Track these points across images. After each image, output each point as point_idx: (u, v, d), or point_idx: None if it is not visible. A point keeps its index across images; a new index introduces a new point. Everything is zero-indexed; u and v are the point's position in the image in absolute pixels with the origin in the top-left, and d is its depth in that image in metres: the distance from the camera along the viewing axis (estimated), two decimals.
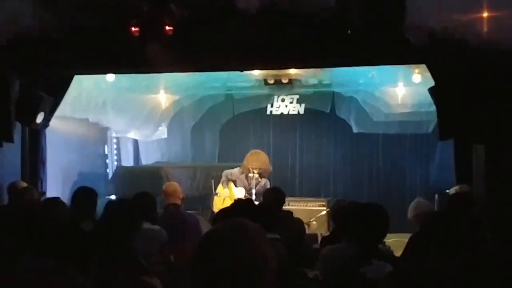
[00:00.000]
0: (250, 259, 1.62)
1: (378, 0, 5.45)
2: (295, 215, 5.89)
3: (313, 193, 10.62)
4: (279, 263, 1.69)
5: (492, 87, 5.62)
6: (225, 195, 7.90)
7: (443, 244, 2.45)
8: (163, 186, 5.88)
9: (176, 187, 5.84)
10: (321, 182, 11.07)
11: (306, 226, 6.54)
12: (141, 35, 6.06)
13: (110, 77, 9.02)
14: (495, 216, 3.72)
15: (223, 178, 8.10)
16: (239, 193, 7.80)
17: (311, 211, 8.69)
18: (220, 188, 8.09)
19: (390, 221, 3.27)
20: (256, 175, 7.69)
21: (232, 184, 7.94)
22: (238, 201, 4.31)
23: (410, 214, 4.97)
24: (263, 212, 3.82)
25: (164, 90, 10.65)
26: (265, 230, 1.74)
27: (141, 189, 5.23)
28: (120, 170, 10.46)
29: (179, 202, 5.72)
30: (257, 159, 7.79)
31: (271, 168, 8.02)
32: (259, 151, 8.13)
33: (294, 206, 8.87)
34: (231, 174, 8.00)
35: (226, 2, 5.79)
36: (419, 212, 4.85)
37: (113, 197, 9.33)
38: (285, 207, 6.45)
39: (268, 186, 7.65)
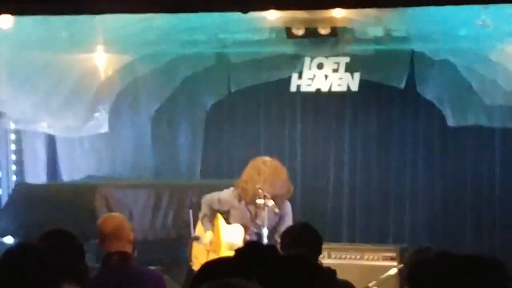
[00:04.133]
0: None
1: None
2: (342, 275, 5.87)
3: (374, 235, 10.86)
4: None
5: None
6: (210, 241, 8.24)
7: None
8: (98, 221, 5.99)
9: (121, 222, 5.98)
10: (388, 215, 11.06)
11: None
12: None
13: (6, 22, 9.01)
14: None
15: (204, 209, 8.36)
16: (234, 235, 8.10)
17: (370, 269, 9.11)
18: (200, 228, 8.38)
19: None
20: (270, 203, 7.90)
21: (221, 220, 8.20)
22: (247, 246, 4.46)
23: None
24: (284, 270, 3.89)
25: (103, 47, 10.65)
26: None
27: (59, 225, 5.39)
28: (23, 191, 10.62)
29: (128, 248, 5.83)
30: (270, 175, 8.09)
31: (292, 190, 8.34)
32: (272, 159, 8.35)
33: (339, 259, 9.47)
34: (219, 201, 8.28)
35: None
36: None
37: (9, 239, 9.65)
38: (323, 261, 6.63)
39: (290, 222, 7.99)
